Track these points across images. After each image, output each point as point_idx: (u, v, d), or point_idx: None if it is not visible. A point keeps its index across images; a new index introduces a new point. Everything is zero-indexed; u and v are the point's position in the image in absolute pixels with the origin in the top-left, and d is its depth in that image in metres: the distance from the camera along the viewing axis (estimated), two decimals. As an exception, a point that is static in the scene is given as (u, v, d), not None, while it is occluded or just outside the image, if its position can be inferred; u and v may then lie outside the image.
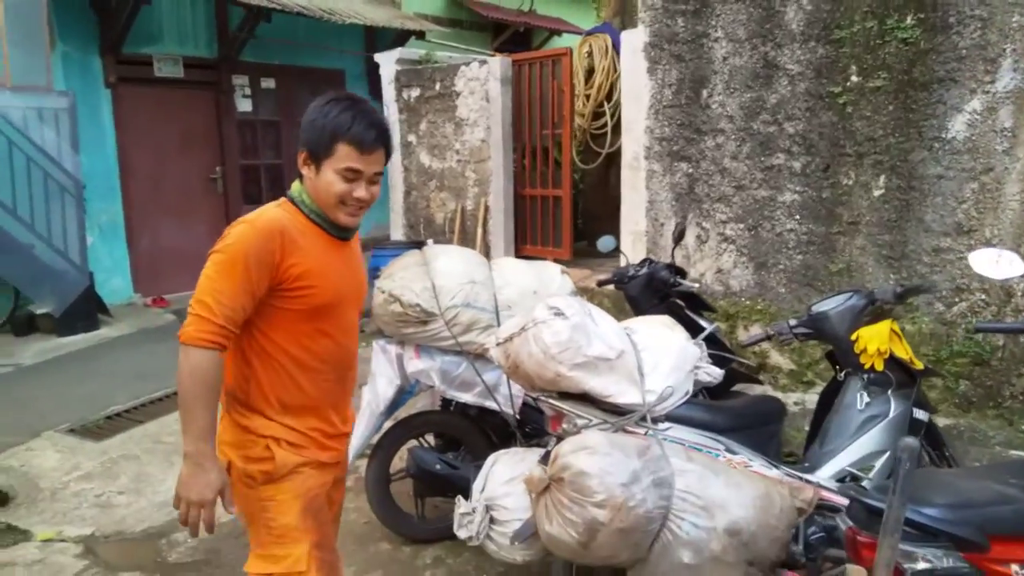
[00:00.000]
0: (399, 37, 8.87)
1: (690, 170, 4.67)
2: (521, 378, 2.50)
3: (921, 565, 1.55)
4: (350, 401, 2.05)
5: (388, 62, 6.79)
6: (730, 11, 4.35)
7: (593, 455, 2.08)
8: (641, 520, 2.03)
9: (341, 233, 1.87)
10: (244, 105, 8.33)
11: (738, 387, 3.48)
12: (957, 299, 3.69)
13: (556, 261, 5.90)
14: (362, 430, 3.20)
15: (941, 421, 3.65)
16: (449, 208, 6.55)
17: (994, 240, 3.53)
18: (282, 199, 1.86)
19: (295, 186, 1.85)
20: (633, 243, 4.98)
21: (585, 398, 2.43)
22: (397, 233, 6.97)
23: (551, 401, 2.47)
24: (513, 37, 11.04)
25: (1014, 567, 1.61)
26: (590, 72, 6.30)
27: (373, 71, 7.10)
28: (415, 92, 6.65)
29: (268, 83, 8.49)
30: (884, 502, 1.59)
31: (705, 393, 3.07)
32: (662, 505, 2.08)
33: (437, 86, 6.44)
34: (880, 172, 3.88)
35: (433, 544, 3.29)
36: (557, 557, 2.48)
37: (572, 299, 2.51)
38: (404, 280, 3.06)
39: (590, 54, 6.28)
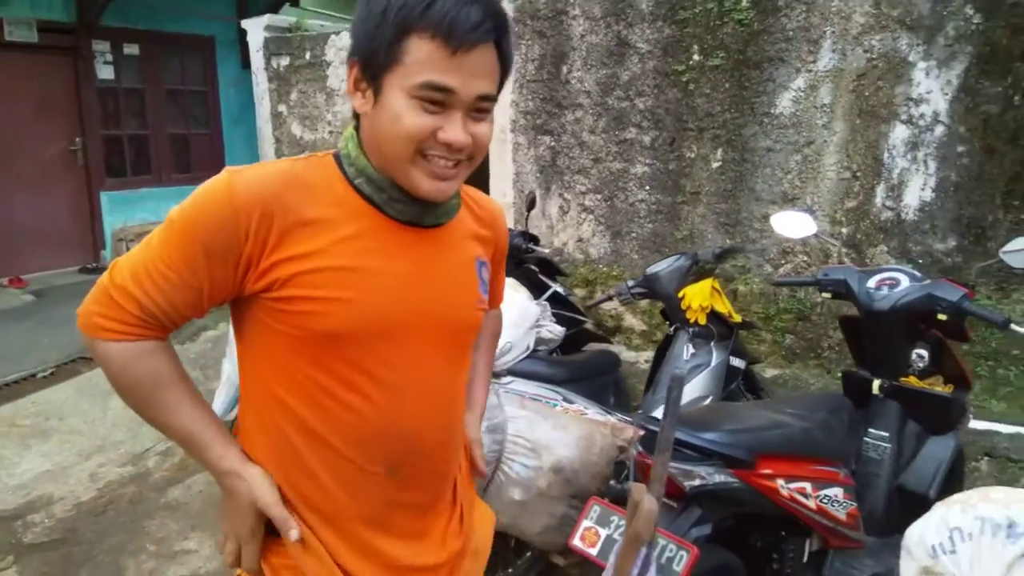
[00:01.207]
0: (273, 3, 8.62)
1: (552, 143, 4.87)
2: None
3: (697, 481, 1.79)
4: (439, 514, 1.21)
5: (256, 29, 6.63)
6: (586, -11, 4.54)
7: (429, 405, 2.24)
8: (474, 463, 2.20)
9: (414, 213, 1.08)
10: (105, 72, 7.90)
11: (589, 346, 3.73)
12: (783, 261, 4.06)
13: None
14: (222, 400, 3.23)
15: (770, 371, 4.04)
16: (322, 180, 6.51)
17: (814, 206, 3.91)
18: (327, 152, 1.12)
19: (346, 132, 1.11)
20: (522, 215, 5.15)
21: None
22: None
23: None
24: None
25: (779, 481, 1.88)
26: (462, 45, 6.39)
27: (246, 39, 6.90)
28: (284, 61, 6.54)
29: (131, 49, 8.07)
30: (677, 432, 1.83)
31: (559, 351, 3.30)
32: (495, 449, 2.27)
33: (307, 55, 6.37)
34: (718, 145, 4.20)
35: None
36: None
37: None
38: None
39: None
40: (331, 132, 6.38)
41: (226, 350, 3.28)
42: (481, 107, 1.02)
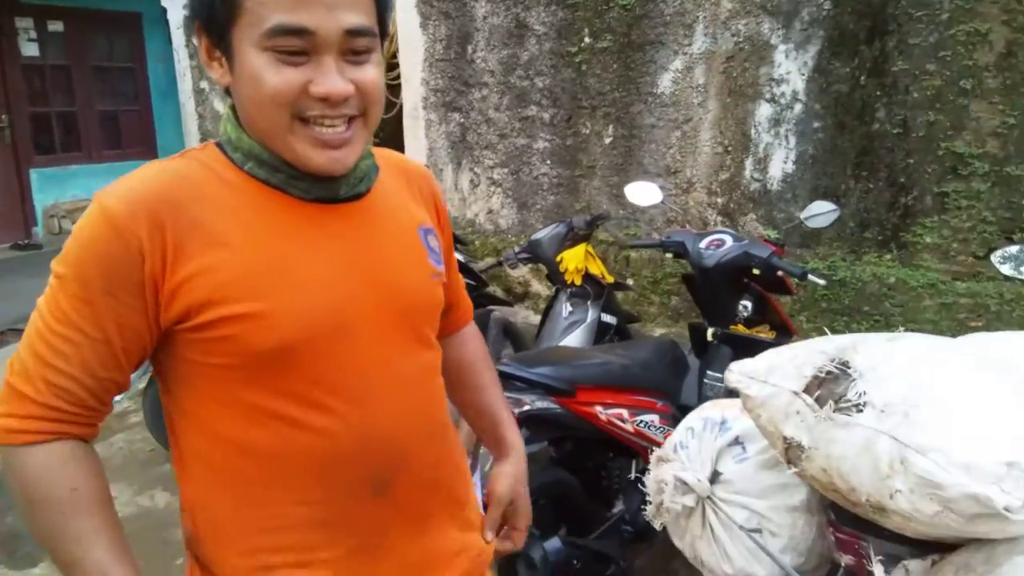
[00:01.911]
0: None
1: (462, 120, 5.14)
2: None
3: (525, 407, 2.11)
4: (443, 528, 1.04)
5: (176, 6, 6.72)
6: (488, -27, 4.80)
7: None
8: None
9: (324, 188, 0.91)
10: (30, 49, 7.87)
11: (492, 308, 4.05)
12: (669, 229, 4.42)
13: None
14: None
15: (658, 330, 4.41)
16: (246, 156, 6.69)
17: (692, 179, 4.26)
18: (205, 144, 0.95)
19: (224, 114, 0.94)
20: (416, 187, 5.41)
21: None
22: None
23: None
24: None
25: (597, 408, 2.22)
26: (383, 24, 6.58)
27: (171, 16, 6.99)
28: (208, 40, 6.65)
29: (56, 26, 8.05)
30: (506, 367, 2.16)
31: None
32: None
33: (230, 34, 6.49)
34: (609, 122, 4.52)
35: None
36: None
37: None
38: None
39: (382, 7, 6.56)
40: (255, 109, 6.56)
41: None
42: (357, 47, 0.83)
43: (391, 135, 7.19)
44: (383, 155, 1.06)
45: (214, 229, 0.84)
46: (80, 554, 0.84)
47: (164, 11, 6.89)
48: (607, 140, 4.55)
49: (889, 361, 1.28)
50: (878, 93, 3.69)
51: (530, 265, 3.99)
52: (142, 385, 3.66)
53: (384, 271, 0.94)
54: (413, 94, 5.34)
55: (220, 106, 6.80)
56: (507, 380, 2.38)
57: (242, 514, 0.90)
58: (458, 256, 3.86)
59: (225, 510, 0.91)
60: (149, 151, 8.71)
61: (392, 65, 6.65)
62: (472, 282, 3.77)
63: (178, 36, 6.78)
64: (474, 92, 5.03)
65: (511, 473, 1.20)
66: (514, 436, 1.25)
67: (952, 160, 3.57)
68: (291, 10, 0.79)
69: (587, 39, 4.49)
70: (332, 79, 0.83)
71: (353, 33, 0.83)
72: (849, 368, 1.29)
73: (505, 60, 4.84)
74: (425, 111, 5.29)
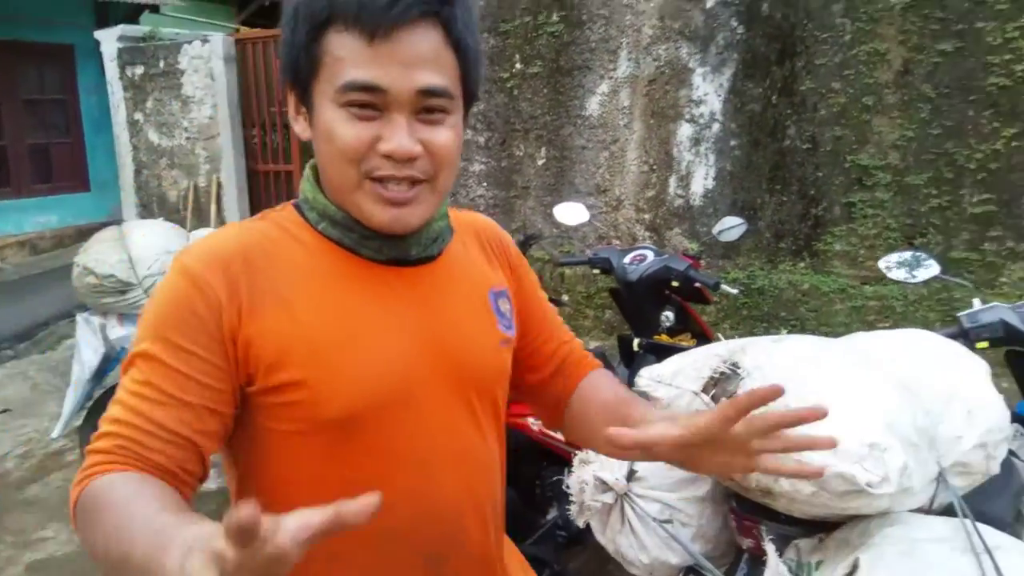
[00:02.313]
0: (133, 11, 8.58)
1: (398, 145, 5.24)
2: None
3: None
4: None
5: (109, 39, 6.69)
6: (419, 3, 4.93)
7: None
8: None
9: (395, 249, 0.89)
10: (-44, 83, 7.72)
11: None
12: (598, 245, 4.59)
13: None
14: (72, 401, 3.45)
15: (592, 343, 4.55)
16: (182, 186, 6.66)
17: (621, 196, 4.45)
18: (285, 204, 0.95)
19: (304, 172, 0.94)
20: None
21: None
22: (130, 215, 6.92)
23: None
24: (261, 11, 10.99)
25: (530, 419, 2.34)
26: (320, 52, 6.65)
27: (101, 47, 6.94)
28: (139, 70, 6.63)
29: (-16, 59, 7.90)
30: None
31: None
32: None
33: (161, 64, 6.49)
34: (541, 145, 4.68)
35: None
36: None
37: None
38: (99, 253, 3.32)
39: (317, 35, 6.64)
40: (188, 139, 6.54)
41: (74, 354, 3.48)
42: (431, 105, 0.81)
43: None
44: (457, 216, 1.02)
45: (285, 290, 0.83)
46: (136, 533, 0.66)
47: (97, 43, 6.84)
48: (540, 162, 4.71)
49: (772, 361, 1.42)
50: (788, 111, 3.93)
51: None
52: (78, 423, 3.64)
53: (451, 339, 0.91)
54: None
55: (154, 137, 6.77)
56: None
57: None
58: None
59: None
60: (81, 184, 8.56)
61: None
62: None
63: (112, 68, 6.73)
64: (409, 118, 5.14)
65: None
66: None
67: (857, 172, 3.82)
68: (365, 66, 0.78)
69: (518, 65, 4.66)
70: (399, 137, 0.80)
71: (427, 93, 0.80)
72: (739, 368, 1.43)
73: (438, 86, 4.96)
74: (362, 137, 5.37)
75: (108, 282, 3.28)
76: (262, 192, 6.59)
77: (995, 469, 1.56)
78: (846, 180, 3.86)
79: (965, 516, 1.40)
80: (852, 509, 1.29)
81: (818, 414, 0.73)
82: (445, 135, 0.83)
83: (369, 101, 0.79)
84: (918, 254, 2.38)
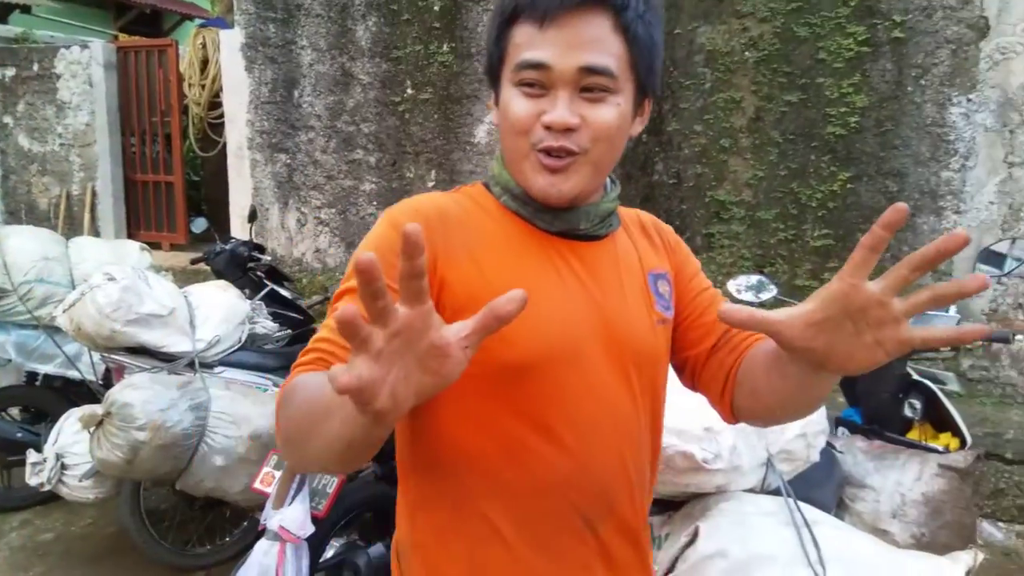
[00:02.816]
0: (2, 10, 8.14)
1: (288, 160, 5.28)
2: (85, 339, 2.88)
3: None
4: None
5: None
6: (312, 23, 5.03)
7: (136, 390, 2.60)
8: (178, 436, 2.59)
9: (565, 222, 0.98)
10: None
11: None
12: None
13: (172, 245, 6.13)
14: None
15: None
16: (53, 193, 6.37)
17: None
18: (474, 183, 1.07)
19: (496, 156, 1.04)
20: (242, 225, 5.44)
21: (147, 351, 2.92)
22: (-5, 220, 6.55)
23: (112, 356, 2.90)
24: (141, 18, 10.65)
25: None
26: (205, 63, 6.57)
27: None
28: (10, 72, 6.31)
29: None
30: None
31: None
32: (199, 424, 2.67)
33: (35, 67, 6.21)
34: (432, 167, 4.87)
35: (22, 510, 3.49)
36: (124, 493, 2.93)
37: (127, 267, 2.96)
38: (-30, 260, 3.21)
39: (204, 45, 6.55)
40: (62, 145, 6.28)
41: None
42: (592, 84, 0.89)
43: (214, 172, 7.14)
44: (624, 211, 1.09)
45: (475, 249, 0.93)
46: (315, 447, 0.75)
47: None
48: (430, 184, 4.89)
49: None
50: (657, 149, 4.32)
51: (356, 300, 4.20)
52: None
53: (612, 311, 0.96)
54: (238, 134, 5.41)
55: (25, 142, 6.43)
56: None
57: (460, 523, 0.93)
58: (285, 293, 4.01)
59: (444, 515, 0.94)
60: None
61: (215, 104, 6.66)
62: (300, 317, 3.93)
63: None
64: (301, 135, 5.20)
65: None
66: None
67: (716, 206, 4.24)
68: (535, 48, 0.88)
69: (410, 90, 4.84)
70: (559, 109, 0.88)
71: (587, 71, 0.88)
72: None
73: (331, 106, 5.07)
74: (251, 151, 5.37)
75: (-20, 288, 3.18)
76: (140, 202, 6.41)
77: (815, 457, 1.87)
78: (706, 213, 4.27)
79: (789, 495, 1.69)
80: (693, 486, 1.55)
81: (959, 241, 0.65)
82: (604, 112, 0.90)
83: (537, 79, 0.89)
84: (762, 279, 2.74)
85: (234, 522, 3.12)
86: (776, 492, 1.77)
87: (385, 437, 0.70)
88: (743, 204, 4.21)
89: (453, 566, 0.94)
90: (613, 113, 0.90)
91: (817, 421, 1.77)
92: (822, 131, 4.07)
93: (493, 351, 0.86)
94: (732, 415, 1.03)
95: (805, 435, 1.73)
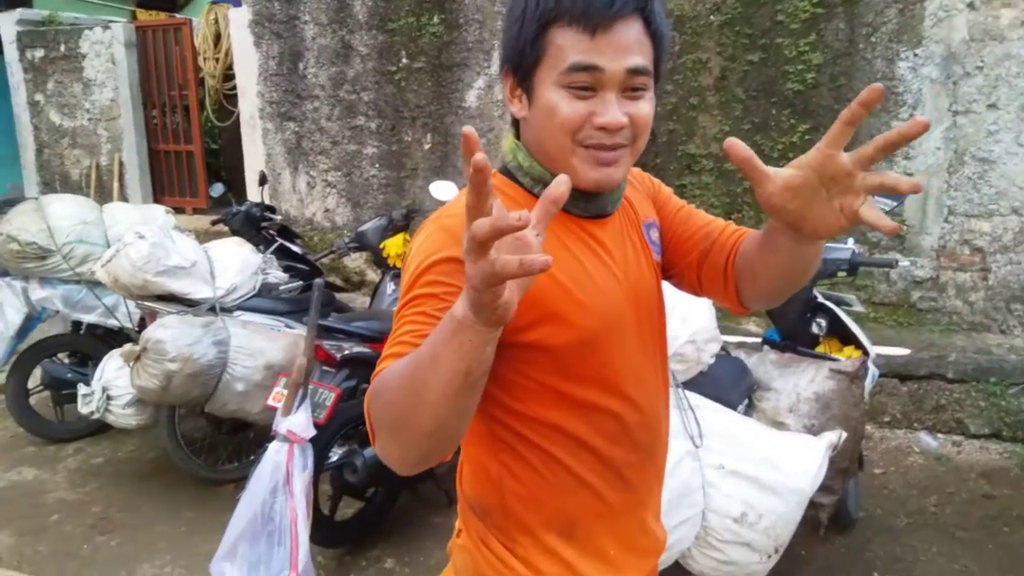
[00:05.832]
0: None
1: (296, 128, 5.71)
2: (121, 289, 3.37)
3: (345, 352, 2.80)
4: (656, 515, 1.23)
5: (8, 23, 6.81)
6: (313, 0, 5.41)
7: (167, 328, 3.08)
8: (204, 367, 3.07)
9: (597, 206, 1.08)
10: None
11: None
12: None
13: (195, 210, 6.61)
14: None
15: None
16: (84, 164, 6.88)
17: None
18: (493, 172, 1.03)
19: (507, 142, 1.11)
20: (257, 189, 5.90)
21: (174, 298, 3.40)
22: (32, 192, 7.07)
23: (144, 303, 3.39)
24: (156, -6, 11.01)
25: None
26: (218, 38, 6.98)
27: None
28: (40, 53, 6.78)
29: None
30: (330, 321, 2.84)
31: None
32: (221, 356, 3.15)
33: (62, 47, 6.67)
34: (427, 131, 5.27)
35: (75, 440, 4.03)
36: (162, 420, 3.44)
37: (154, 228, 3.43)
38: (21, 223, 3.70)
39: (216, 21, 6.95)
40: (90, 119, 6.76)
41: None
42: (635, 84, 0.98)
43: (230, 141, 7.59)
44: None
45: None
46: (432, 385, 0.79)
47: (-7, 27, 6.95)
48: (426, 146, 5.30)
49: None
50: (631, 108, 4.67)
51: (363, 254, 4.66)
52: (3, 377, 4.00)
53: (633, 272, 1.09)
54: (249, 105, 5.84)
55: (56, 118, 6.93)
56: (330, 332, 3.07)
57: (550, 480, 1.06)
58: (295, 248, 4.47)
59: (536, 478, 1.06)
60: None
61: (229, 76, 7.08)
62: (308, 268, 4.39)
63: (11, 51, 6.84)
64: (307, 104, 5.62)
65: None
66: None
67: (687, 160, 4.61)
68: (587, 52, 0.95)
69: (404, 60, 5.22)
70: (612, 111, 0.96)
71: (634, 72, 0.97)
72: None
73: (334, 76, 5.47)
74: (262, 120, 5.80)
75: (30, 249, 3.67)
76: (163, 170, 6.90)
77: (707, 360, 2.29)
78: (678, 166, 4.64)
79: (676, 385, 2.11)
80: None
81: (920, 126, 0.75)
82: (643, 107, 1.00)
83: (587, 82, 0.96)
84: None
85: (257, 442, 3.62)
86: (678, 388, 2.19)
87: (491, 361, 0.78)
88: (711, 157, 4.57)
89: (552, 518, 1.07)
90: (649, 106, 1.01)
91: (706, 330, 2.18)
92: (782, 87, 4.39)
93: (557, 335, 0.99)
94: (740, 304, 1.16)
95: (695, 341, 2.14)
